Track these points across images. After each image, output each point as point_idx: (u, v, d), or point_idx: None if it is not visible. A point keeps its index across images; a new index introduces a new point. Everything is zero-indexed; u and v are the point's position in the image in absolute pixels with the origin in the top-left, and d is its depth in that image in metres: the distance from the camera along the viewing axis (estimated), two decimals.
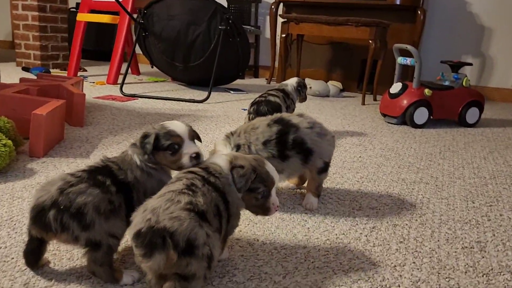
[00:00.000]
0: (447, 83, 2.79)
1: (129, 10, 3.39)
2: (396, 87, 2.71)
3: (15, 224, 1.09)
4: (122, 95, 2.97)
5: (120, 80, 3.41)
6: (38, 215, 0.82)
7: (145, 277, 0.81)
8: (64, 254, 0.97)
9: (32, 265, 0.91)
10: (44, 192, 0.84)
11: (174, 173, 0.95)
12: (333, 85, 3.70)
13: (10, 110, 1.73)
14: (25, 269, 0.90)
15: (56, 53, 4.12)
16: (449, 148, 2.19)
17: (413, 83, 2.65)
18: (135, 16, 3.38)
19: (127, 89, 3.16)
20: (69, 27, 4.14)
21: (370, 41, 3.21)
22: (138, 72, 4.14)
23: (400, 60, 2.78)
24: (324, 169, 1.32)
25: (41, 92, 2.01)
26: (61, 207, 0.81)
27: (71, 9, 4.76)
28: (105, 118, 2.28)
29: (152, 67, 3.73)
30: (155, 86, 3.56)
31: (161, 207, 0.74)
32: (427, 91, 2.61)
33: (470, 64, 2.92)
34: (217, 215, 0.82)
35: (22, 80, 2.25)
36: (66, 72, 3.79)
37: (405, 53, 2.80)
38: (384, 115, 2.78)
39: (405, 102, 2.62)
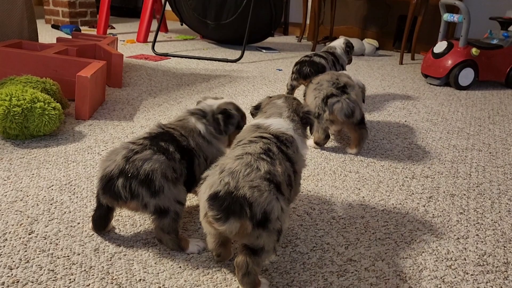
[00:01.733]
0: (495, 41, 2.62)
1: None
2: (440, 46, 2.56)
3: (74, 189, 1.11)
4: (154, 54, 2.92)
5: (149, 38, 3.36)
6: (107, 185, 0.82)
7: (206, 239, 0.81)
8: (126, 220, 0.99)
9: (100, 230, 0.92)
10: (110, 161, 0.84)
11: None
12: (369, 43, 3.54)
13: (51, 72, 1.72)
14: (93, 234, 0.92)
15: (84, 10, 4.05)
16: (498, 112, 2.09)
17: (459, 42, 2.49)
18: None
19: (157, 48, 3.11)
20: None
21: None
22: (166, 30, 4.05)
23: (446, 16, 2.60)
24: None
25: (79, 52, 1.99)
26: (129, 175, 0.81)
27: None
28: (142, 79, 2.25)
29: (181, 25, 3.63)
30: (185, 44, 3.49)
31: (241, 172, 0.71)
32: (474, 51, 2.46)
33: None
34: (289, 185, 0.81)
35: (58, 40, 2.23)
36: (95, 29, 3.74)
37: (451, 9, 2.61)
38: (426, 76, 2.66)
39: (450, 62, 2.48)
